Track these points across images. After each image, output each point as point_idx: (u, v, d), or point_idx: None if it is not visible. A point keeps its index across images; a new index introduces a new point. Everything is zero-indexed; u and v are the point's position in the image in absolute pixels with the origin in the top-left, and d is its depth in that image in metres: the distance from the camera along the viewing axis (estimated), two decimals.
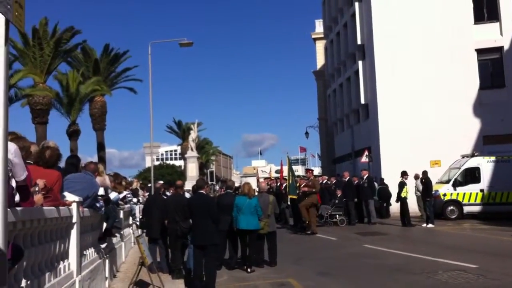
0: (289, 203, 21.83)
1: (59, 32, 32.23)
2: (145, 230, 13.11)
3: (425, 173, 21.32)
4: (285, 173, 23.31)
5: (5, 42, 3.42)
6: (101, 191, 9.26)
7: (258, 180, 35.61)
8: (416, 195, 22.50)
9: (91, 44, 40.23)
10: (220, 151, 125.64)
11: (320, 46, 54.75)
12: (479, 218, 23.17)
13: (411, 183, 22.55)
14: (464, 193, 23.43)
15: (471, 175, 23.78)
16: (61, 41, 32.17)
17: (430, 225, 20.38)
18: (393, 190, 24.44)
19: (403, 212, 21.34)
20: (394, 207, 25.60)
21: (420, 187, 22.05)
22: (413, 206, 22.41)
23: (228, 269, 12.02)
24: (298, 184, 21.04)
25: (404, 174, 22.06)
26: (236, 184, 21.22)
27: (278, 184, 26.43)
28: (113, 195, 10.43)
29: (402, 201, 21.53)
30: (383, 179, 26.57)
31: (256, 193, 14.37)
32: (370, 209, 22.82)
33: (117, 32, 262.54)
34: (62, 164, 8.45)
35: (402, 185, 21.79)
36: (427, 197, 20.80)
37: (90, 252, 8.24)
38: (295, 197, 20.41)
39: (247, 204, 11.59)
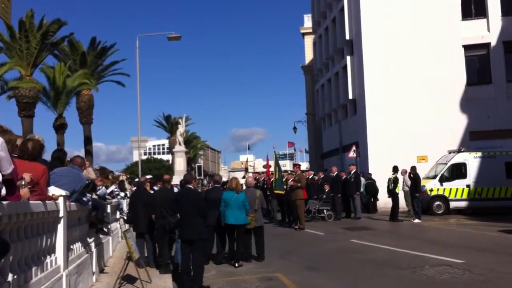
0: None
1: (46, 24, 31.91)
2: (131, 225, 13.03)
3: (414, 168, 21.43)
4: (272, 168, 23.34)
5: None
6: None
7: (246, 171, 35.42)
8: (404, 190, 22.63)
9: (78, 37, 40.00)
10: (208, 145, 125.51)
11: (308, 41, 54.78)
12: (465, 213, 23.40)
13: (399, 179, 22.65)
14: (451, 189, 23.61)
15: (458, 171, 23.97)
16: (47, 33, 31.84)
17: (417, 220, 20.50)
18: (380, 185, 24.60)
19: (394, 207, 21.44)
20: (381, 202, 25.78)
21: (408, 182, 22.17)
22: (400, 201, 22.53)
23: (216, 264, 12.02)
24: (285, 179, 21.07)
25: (396, 169, 22.11)
26: (224, 179, 21.23)
27: (265, 179, 26.45)
28: (100, 189, 10.39)
29: (395, 196, 21.62)
30: (370, 174, 26.70)
31: (244, 188, 14.36)
32: (355, 204, 22.94)
33: (104, 25, 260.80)
34: (48, 157, 8.40)
35: (396, 180, 21.87)
36: (415, 192, 20.90)
37: (77, 247, 8.19)
38: (282, 192, 20.43)
39: (235, 199, 11.58)
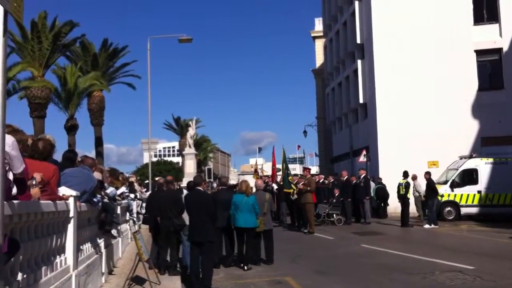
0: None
1: (58, 25, 32.13)
2: (141, 226, 13.02)
3: (428, 173, 21.37)
4: (280, 166, 23.37)
5: (3, 33, 3.39)
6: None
7: (256, 171, 35.26)
8: (414, 196, 22.48)
9: (90, 39, 40.11)
10: (218, 148, 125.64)
11: (319, 44, 54.70)
12: (476, 219, 23.21)
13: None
14: (462, 194, 23.45)
15: (469, 177, 23.80)
16: (60, 34, 32.06)
17: (430, 226, 20.35)
18: (390, 190, 24.45)
19: (405, 212, 21.32)
20: (391, 207, 25.62)
21: (419, 188, 22.09)
22: (411, 206, 22.40)
23: (225, 266, 11.99)
24: (295, 183, 20.98)
25: (407, 174, 21.95)
26: (234, 182, 21.18)
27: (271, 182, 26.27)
28: (110, 190, 10.39)
29: (406, 201, 21.49)
30: (380, 179, 26.57)
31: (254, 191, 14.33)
32: (365, 209, 22.85)
33: (116, 26, 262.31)
34: (59, 158, 8.42)
35: (408, 185, 21.74)
36: (431, 197, 20.75)
37: (87, 247, 8.20)
38: (289, 190, 20.39)
39: (245, 202, 11.56)
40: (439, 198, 22.76)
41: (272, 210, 15.31)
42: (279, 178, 25.51)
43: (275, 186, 24.30)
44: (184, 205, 10.58)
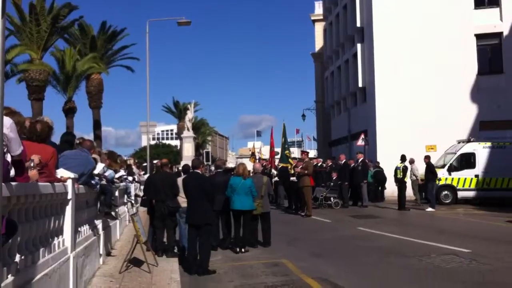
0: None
1: (57, 8, 31.91)
2: (139, 209, 13.07)
3: (428, 157, 21.47)
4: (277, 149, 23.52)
5: (1, 15, 3.38)
6: (99, 169, 9.26)
7: (253, 154, 35.34)
8: (412, 179, 22.55)
9: (88, 21, 39.87)
10: (217, 131, 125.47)
11: (319, 28, 54.44)
12: (473, 203, 23.35)
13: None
14: (459, 178, 23.54)
15: (466, 161, 23.86)
16: (58, 17, 31.83)
17: (429, 209, 20.44)
18: (388, 173, 24.53)
19: (402, 195, 21.41)
20: (389, 190, 25.74)
21: (416, 171, 22.19)
22: (408, 190, 22.49)
23: (222, 249, 12.06)
24: (288, 154, 21.09)
25: (404, 158, 22.00)
26: (232, 165, 21.24)
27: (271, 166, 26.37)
28: (108, 172, 10.42)
29: (403, 185, 21.57)
30: (378, 163, 26.64)
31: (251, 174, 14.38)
32: (362, 192, 22.96)
33: (115, 9, 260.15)
34: (57, 141, 8.44)
35: (406, 169, 21.79)
36: (431, 181, 20.83)
37: (85, 229, 8.26)
38: (286, 165, 20.52)
39: (242, 185, 11.60)
40: (436, 182, 22.87)
41: (270, 193, 15.37)
42: (277, 162, 25.60)
43: (274, 172, 24.34)
44: (178, 188, 10.67)
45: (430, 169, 21.12)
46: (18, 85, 32.21)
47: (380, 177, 25.70)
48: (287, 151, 21.15)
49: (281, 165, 21.13)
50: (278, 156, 25.79)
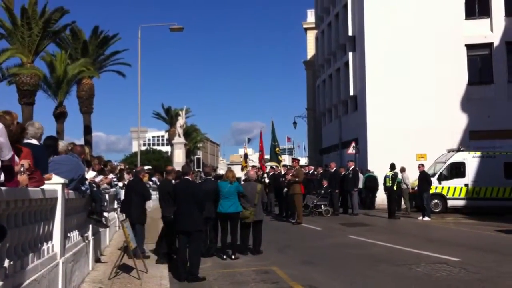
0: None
1: (48, 12, 31.81)
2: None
3: (422, 165, 21.53)
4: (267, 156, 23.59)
5: None
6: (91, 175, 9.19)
7: (246, 156, 35.30)
8: (402, 188, 22.59)
9: (80, 26, 39.79)
10: (208, 138, 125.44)
11: (311, 36, 54.59)
12: (462, 212, 23.41)
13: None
14: (449, 187, 23.62)
15: (456, 170, 23.96)
16: (50, 21, 31.73)
17: (426, 218, 20.38)
18: (379, 182, 24.58)
19: (392, 204, 21.42)
20: (379, 198, 25.78)
21: (407, 180, 22.24)
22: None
23: (208, 256, 11.97)
24: (278, 151, 21.11)
25: (394, 167, 21.98)
26: (223, 172, 21.22)
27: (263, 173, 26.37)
28: (99, 178, 10.35)
29: (392, 193, 21.59)
30: (369, 171, 26.69)
31: (243, 182, 14.39)
32: (353, 200, 22.98)
33: (107, 15, 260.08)
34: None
35: (395, 177, 21.80)
36: (426, 190, 20.81)
37: (75, 235, 8.20)
38: (276, 164, 20.56)
39: (228, 189, 11.66)
40: None
41: (264, 201, 15.37)
42: (268, 169, 25.60)
43: (267, 180, 24.34)
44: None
45: (426, 178, 21.05)
46: (8, 87, 32.08)
47: (372, 184, 25.74)
48: (277, 148, 21.16)
49: (270, 164, 21.16)
50: (268, 157, 25.87)
